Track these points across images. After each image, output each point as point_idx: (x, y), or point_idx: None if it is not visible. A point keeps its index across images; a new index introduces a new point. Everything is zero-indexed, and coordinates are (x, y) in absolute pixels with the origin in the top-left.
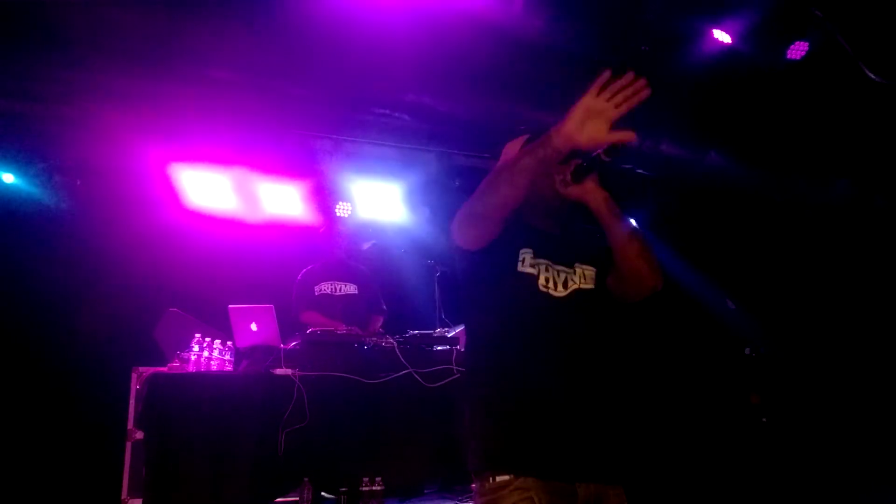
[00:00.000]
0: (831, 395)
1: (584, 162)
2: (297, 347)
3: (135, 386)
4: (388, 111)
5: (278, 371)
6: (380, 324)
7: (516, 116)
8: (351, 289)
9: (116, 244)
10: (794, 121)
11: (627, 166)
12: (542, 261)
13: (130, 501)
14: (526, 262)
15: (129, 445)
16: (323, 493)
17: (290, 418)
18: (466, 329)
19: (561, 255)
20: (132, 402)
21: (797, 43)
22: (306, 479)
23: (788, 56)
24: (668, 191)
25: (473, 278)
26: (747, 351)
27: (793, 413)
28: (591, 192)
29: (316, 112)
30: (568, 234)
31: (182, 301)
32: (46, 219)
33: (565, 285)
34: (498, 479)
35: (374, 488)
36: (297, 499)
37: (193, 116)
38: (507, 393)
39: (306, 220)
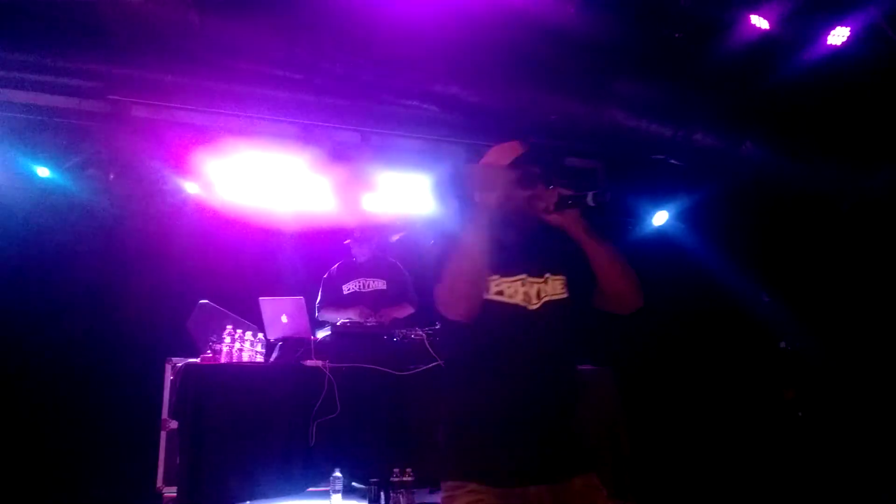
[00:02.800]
0: (869, 389)
1: (569, 198)
2: (328, 339)
3: (168, 377)
4: (416, 102)
5: (309, 362)
6: (406, 313)
7: (546, 106)
8: (379, 284)
9: (149, 237)
10: (833, 107)
11: (659, 157)
12: (517, 277)
13: (166, 490)
14: (492, 289)
15: (163, 435)
16: (354, 484)
17: (320, 409)
18: (446, 351)
19: (532, 266)
20: (166, 392)
21: (838, 28)
22: (337, 470)
23: (828, 42)
24: (702, 182)
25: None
26: (782, 345)
27: (829, 408)
28: (572, 224)
29: (343, 104)
30: (538, 242)
31: (214, 293)
32: (81, 212)
33: (538, 297)
34: (453, 482)
35: (404, 479)
36: (329, 489)
37: (224, 109)
38: (467, 406)
39: (334, 213)
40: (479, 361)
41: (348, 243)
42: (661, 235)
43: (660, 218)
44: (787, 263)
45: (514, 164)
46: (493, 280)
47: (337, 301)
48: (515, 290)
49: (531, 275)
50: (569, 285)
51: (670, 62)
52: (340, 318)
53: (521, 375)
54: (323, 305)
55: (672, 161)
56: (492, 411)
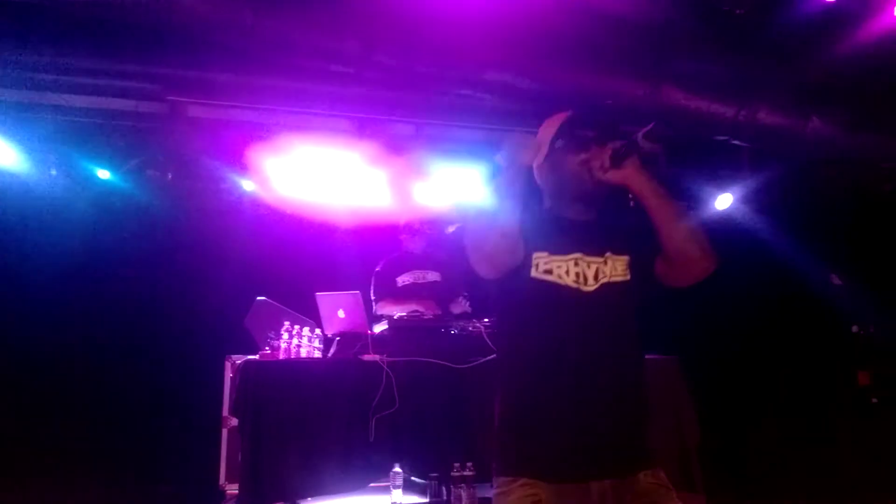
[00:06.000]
0: None
1: (622, 147)
2: (385, 333)
3: (228, 374)
4: (469, 91)
5: (366, 357)
6: (461, 309)
7: (602, 89)
8: (434, 276)
9: (208, 236)
10: None
11: (722, 138)
12: (570, 256)
13: (228, 487)
14: (540, 267)
15: (224, 433)
16: (414, 479)
17: (379, 404)
18: (497, 337)
19: (592, 244)
20: (226, 390)
21: None
22: (397, 465)
23: None
24: (767, 162)
25: (493, 293)
26: (855, 329)
27: None
28: (632, 176)
29: (395, 97)
30: (603, 220)
31: (271, 290)
32: (140, 213)
33: (595, 278)
34: (505, 476)
35: (464, 473)
36: (389, 484)
37: (279, 106)
38: (523, 400)
39: (388, 207)
40: (532, 347)
41: (401, 236)
42: (725, 219)
43: (723, 201)
44: (858, 244)
45: (562, 132)
46: (541, 257)
47: (392, 293)
48: (567, 269)
49: (588, 253)
50: (632, 266)
51: (731, 38)
52: (398, 312)
53: (579, 363)
54: (379, 298)
55: (735, 142)
56: (547, 401)
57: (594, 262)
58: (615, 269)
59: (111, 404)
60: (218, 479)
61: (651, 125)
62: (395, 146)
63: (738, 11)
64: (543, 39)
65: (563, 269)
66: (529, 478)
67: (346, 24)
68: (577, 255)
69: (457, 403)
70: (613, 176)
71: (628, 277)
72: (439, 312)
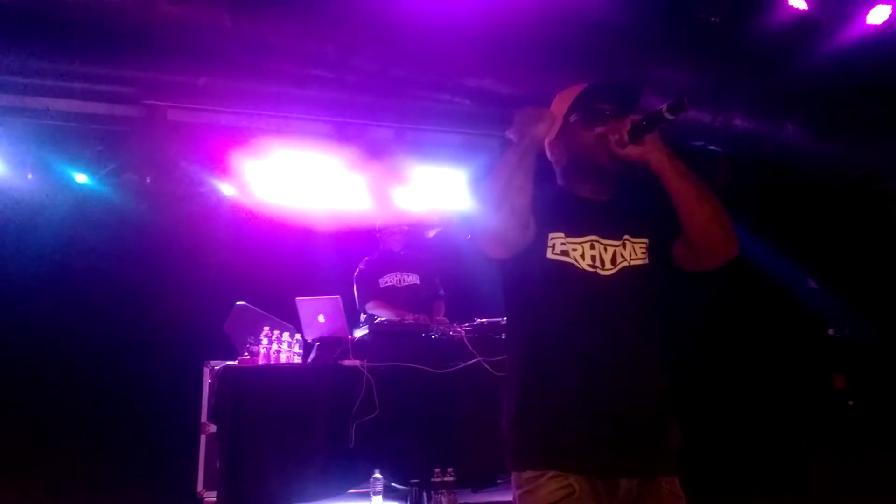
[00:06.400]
0: None
1: (643, 119)
2: (365, 338)
3: (207, 380)
4: (448, 97)
5: (347, 362)
6: (443, 310)
7: None
8: (413, 279)
9: (186, 240)
10: (876, 87)
11: (699, 143)
12: (585, 238)
13: (206, 494)
14: (556, 248)
15: (203, 439)
16: (394, 485)
17: (359, 410)
18: (507, 325)
19: (609, 226)
20: (205, 396)
21: (878, 6)
22: (377, 471)
23: (868, 21)
24: (743, 167)
25: (504, 275)
26: (831, 332)
27: (881, 396)
28: (653, 151)
29: (376, 101)
30: (620, 200)
31: (250, 295)
32: (118, 217)
33: (613, 262)
34: (532, 471)
35: (445, 479)
36: (369, 490)
37: (258, 110)
38: (542, 389)
39: (368, 211)
40: (549, 332)
41: (379, 235)
42: None
43: None
44: (833, 249)
45: (577, 104)
46: (558, 237)
47: (377, 294)
48: (582, 252)
49: (604, 236)
50: (651, 250)
51: (707, 46)
52: (388, 314)
53: (597, 350)
54: (367, 299)
55: (711, 147)
56: (568, 389)
57: (611, 246)
58: (634, 252)
59: (88, 410)
60: (196, 486)
61: (675, 98)
62: (375, 150)
63: (713, 19)
64: (522, 46)
65: (578, 252)
66: (559, 470)
67: (326, 28)
68: (593, 237)
69: (437, 408)
70: (632, 151)
71: (647, 261)
72: (420, 315)
